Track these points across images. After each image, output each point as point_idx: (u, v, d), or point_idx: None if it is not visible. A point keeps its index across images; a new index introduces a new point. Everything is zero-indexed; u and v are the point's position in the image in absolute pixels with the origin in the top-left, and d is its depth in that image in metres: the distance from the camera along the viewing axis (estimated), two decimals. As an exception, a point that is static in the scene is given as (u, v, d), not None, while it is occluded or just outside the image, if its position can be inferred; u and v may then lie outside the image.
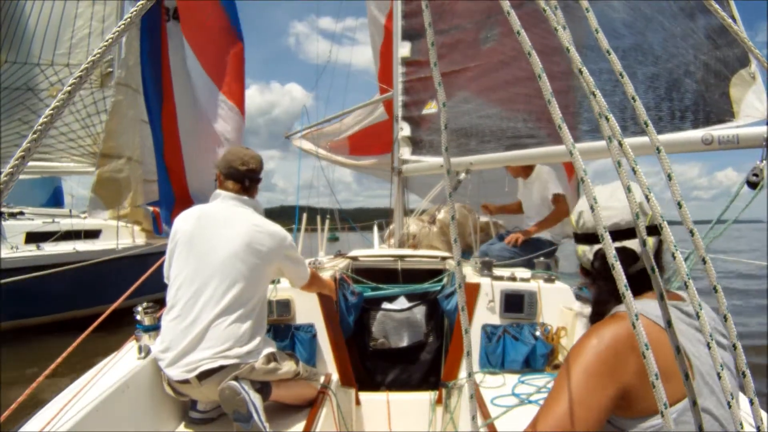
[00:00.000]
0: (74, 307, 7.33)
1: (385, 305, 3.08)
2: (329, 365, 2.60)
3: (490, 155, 3.31)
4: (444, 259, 3.46)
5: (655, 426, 0.93)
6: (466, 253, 3.96)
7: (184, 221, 2.07)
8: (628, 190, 0.72)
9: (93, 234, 8.52)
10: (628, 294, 0.69)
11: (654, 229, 1.05)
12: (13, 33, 9.32)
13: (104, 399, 1.63)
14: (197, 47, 6.21)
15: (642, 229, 0.78)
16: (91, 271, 7.17)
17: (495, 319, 2.60)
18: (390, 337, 3.01)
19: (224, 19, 6.57)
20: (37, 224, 8.32)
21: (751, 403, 0.71)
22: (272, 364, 1.98)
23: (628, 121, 2.56)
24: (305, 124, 8.94)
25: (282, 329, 2.55)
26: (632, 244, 1.09)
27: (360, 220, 8.81)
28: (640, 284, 1.01)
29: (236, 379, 1.86)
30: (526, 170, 4.10)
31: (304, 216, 5.60)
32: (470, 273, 2.85)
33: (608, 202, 1.12)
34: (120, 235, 8.25)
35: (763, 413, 0.76)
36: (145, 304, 2.13)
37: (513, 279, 2.70)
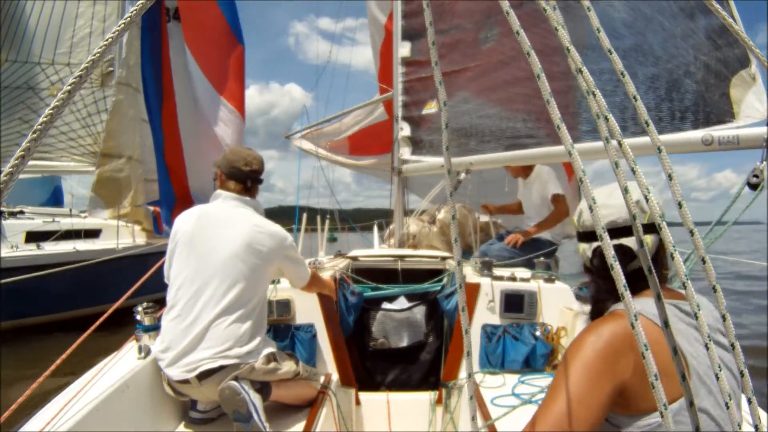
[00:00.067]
0: (74, 306, 7.32)
1: (385, 305, 3.08)
2: (329, 365, 2.60)
3: (489, 155, 3.31)
4: (444, 259, 3.46)
5: (652, 424, 0.93)
6: (466, 253, 3.96)
7: (185, 221, 2.07)
8: (625, 191, 0.72)
9: (93, 233, 8.51)
10: (627, 295, 0.69)
11: (653, 227, 1.04)
12: (14, 32, 9.32)
13: (104, 399, 1.63)
14: (197, 51, 6.20)
15: (639, 230, 0.78)
16: (91, 270, 7.16)
17: (495, 319, 2.60)
18: (390, 337, 3.01)
19: (224, 22, 6.55)
20: (38, 223, 8.31)
21: (749, 402, 0.71)
22: (272, 364, 1.98)
23: (629, 122, 2.55)
24: (305, 124, 8.95)
25: (282, 329, 2.55)
26: (630, 241, 1.09)
27: (360, 220, 8.81)
28: (639, 282, 1.01)
29: (236, 379, 1.86)
30: (526, 170, 4.10)
31: (304, 216, 5.60)
32: (470, 273, 2.85)
33: (607, 201, 1.11)
34: (120, 235, 8.24)
35: (762, 413, 0.76)
36: (145, 304, 2.13)
37: (513, 279, 2.70)
